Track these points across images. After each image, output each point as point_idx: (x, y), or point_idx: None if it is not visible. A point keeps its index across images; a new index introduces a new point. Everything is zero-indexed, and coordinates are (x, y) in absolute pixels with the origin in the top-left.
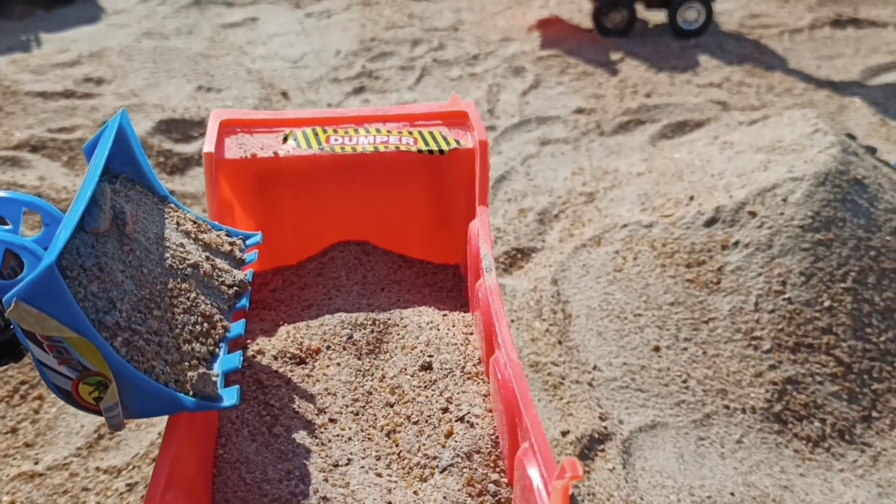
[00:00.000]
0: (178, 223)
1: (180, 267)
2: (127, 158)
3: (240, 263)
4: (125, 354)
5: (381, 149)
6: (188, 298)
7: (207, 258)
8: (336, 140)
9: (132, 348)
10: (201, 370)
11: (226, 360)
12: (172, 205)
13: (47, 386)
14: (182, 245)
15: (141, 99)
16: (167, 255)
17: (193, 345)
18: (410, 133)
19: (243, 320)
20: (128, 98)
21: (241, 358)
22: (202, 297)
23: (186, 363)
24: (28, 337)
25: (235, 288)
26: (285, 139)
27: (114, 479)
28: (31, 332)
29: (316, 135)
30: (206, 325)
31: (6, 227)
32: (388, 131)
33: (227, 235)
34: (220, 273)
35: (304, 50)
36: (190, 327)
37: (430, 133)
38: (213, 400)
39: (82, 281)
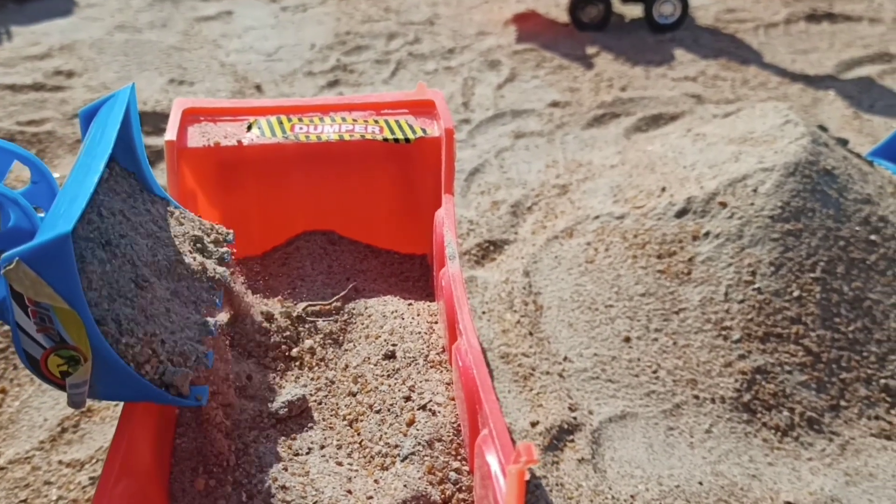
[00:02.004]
0: (165, 217)
1: (165, 262)
2: (124, 143)
3: (220, 261)
4: (109, 337)
5: (347, 137)
6: (173, 293)
7: (191, 254)
8: (301, 128)
9: (116, 332)
10: (181, 367)
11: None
12: (161, 197)
13: (15, 349)
14: (169, 240)
15: (112, 92)
16: (157, 250)
17: (174, 337)
18: (376, 122)
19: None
20: (98, 91)
21: (212, 357)
22: (185, 294)
23: (163, 355)
24: (14, 297)
25: (212, 285)
26: (249, 127)
27: (77, 472)
28: (20, 294)
29: (280, 123)
30: (185, 319)
31: None
32: (354, 120)
33: (210, 230)
34: (201, 270)
35: (279, 43)
36: (170, 321)
37: (397, 122)
38: (184, 397)
39: (86, 256)
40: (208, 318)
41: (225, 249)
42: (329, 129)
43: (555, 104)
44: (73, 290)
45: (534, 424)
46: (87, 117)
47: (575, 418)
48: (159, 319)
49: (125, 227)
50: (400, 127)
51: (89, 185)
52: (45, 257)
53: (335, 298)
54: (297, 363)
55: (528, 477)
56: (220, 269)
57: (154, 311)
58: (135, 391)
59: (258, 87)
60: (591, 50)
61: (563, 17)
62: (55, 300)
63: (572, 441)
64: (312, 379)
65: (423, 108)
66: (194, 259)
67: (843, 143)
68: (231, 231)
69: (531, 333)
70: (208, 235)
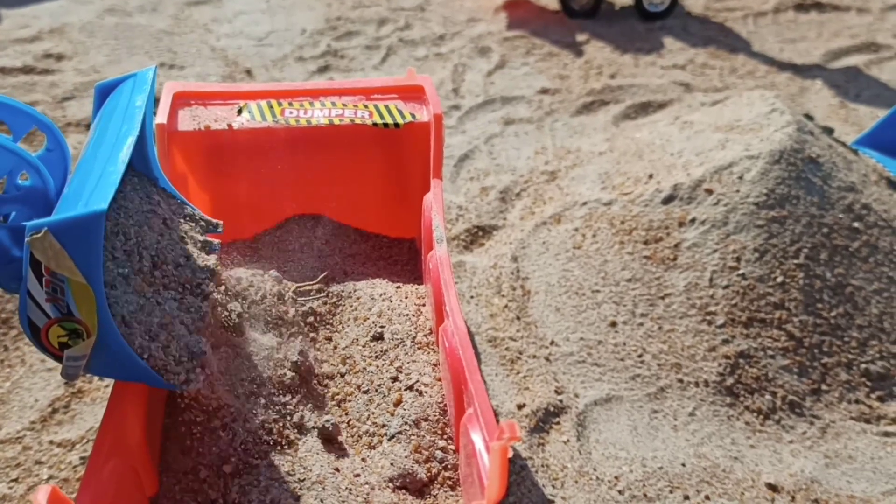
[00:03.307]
0: (169, 208)
1: (170, 251)
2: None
3: (211, 251)
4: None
5: (337, 122)
6: (174, 281)
7: (188, 244)
8: (291, 113)
9: (126, 313)
10: (183, 356)
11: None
12: (165, 189)
13: (19, 314)
14: (171, 231)
15: (102, 75)
16: (161, 240)
17: (173, 323)
18: (366, 106)
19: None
20: (88, 74)
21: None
22: (184, 283)
23: (163, 341)
24: (31, 264)
25: (207, 276)
26: (240, 111)
27: (68, 452)
28: (38, 263)
29: (271, 107)
30: (182, 307)
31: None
32: (344, 104)
33: (201, 221)
34: (197, 259)
35: (270, 28)
36: (167, 309)
37: (386, 106)
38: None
39: (108, 234)
40: (202, 306)
41: (217, 242)
42: (319, 114)
43: (544, 91)
44: (94, 267)
45: (520, 407)
46: (104, 92)
47: (561, 401)
48: (160, 307)
49: (138, 216)
50: (389, 112)
51: (119, 165)
52: (76, 231)
53: (319, 278)
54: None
55: (511, 454)
56: (212, 259)
57: (155, 298)
58: (129, 371)
59: (248, 72)
60: (581, 37)
61: (553, 4)
62: (74, 273)
63: (558, 423)
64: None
65: (413, 94)
66: (190, 249)
67: (829, 131)
68: (220, 222)
69: (518, 318)
70: (200, 225)
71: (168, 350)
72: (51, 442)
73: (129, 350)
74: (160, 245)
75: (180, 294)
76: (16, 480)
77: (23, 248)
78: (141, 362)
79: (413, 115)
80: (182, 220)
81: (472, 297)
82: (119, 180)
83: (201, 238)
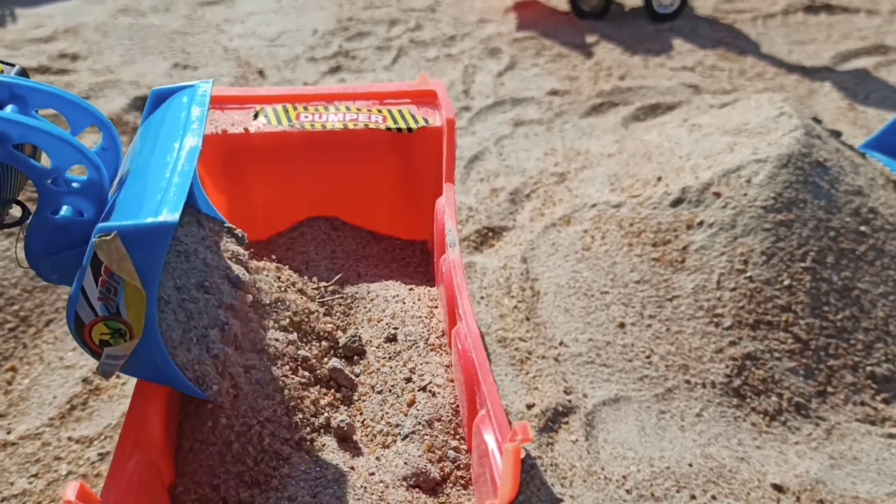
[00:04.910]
0: (204, 227)
1: (214, 270)
2: None
3: (239, 262)
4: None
5: (351, 126)
6: (211, 294)
7: (231, 257)
8: (306, 117)
9: (168, 321)
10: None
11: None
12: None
13: (68, 307)
14: (216, 253)
15: (116, 76)
16: (208, 259)
17: (207, 337)
18: (380, 111)
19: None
20: (103, 74)
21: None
22: (216, 296)
23: (197, 353)
24: (92, 263)
25: (236, 288)
26: (256, 115)
27: (86, 448)
28: (99, 262)
29: (286, 112)
30: (212, 319)
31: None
32: (358, 109)
33: (233, 235)
34: (227, 270)
35: (282, 29)
36: (203, 317)
37: (399, 111)
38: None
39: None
40: (230, 318)
41: (246, 252)
42: (334, 118)
43: (554, 92)
44: (153, 274)
45: (530, 407)
46: (158, 98)
47: (570, 401)
48: (197, 318)
49: (191, 238)
50: (402, 116)
51: (185, 178)
52: (144, 239)
53: (334, 280)
54: None
55: (523, 455)
56: (243, 272)
57: (194, 308)
58: (162, 375)
59: (261, 73)
60: (590, 38)
61: (563, 5)
62: (132, 277)
63: (567, 423)
64: None
65: (425, 98)
66: (228, 265)
67: (837, 134)
68: (245, 234)
69: (528, 318)
70: (233, 238)
71: (202, 361)
72: (69, 438)
73: (168, 357)
74: (205, 266)
75: (212, 307)
76: (35, 476)
77: (67, 242)
78: (176, 369)
79: (426, 120)
80: (223, 239)
81: (482, 297)
82: (185, 194)
83: (238, 252)
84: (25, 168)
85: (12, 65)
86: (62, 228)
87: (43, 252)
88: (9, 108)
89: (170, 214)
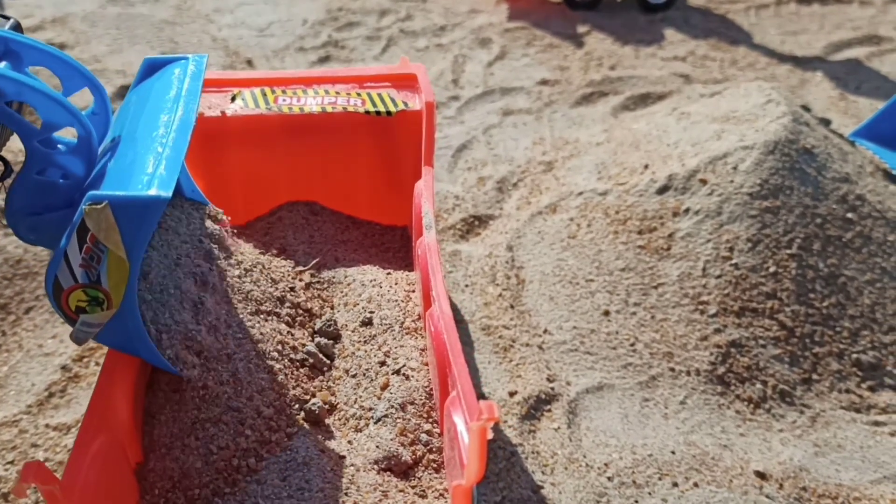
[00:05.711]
0: (185, 204)
1: (193, 251)
2: None
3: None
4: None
5: (329, 109)
6: (188, 271)
7: (202, 236)
8: (284, 100)
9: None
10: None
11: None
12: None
13: (47, 271)
14: (197, 231)
15: (103, 65)
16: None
17: (182, 312)
18: (359, 94)
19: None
20: (90, 64)
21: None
22: (194, 272)
23: (172, 324)
24: (78, 229)
25: (210, 266)
26: (233, 98)
27: (63, 435)
28: (86, 230)
29: (264, 95)
30: (187, 296)
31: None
32: (337, 92)
33: (210, 216)
34: (206, 250)
35: (271, 18)
36: (179, 293)
37: (379, 95)
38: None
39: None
40: (206, 296)
41: (224, 231)
42: (312, 102)
43: (544, 82)
44: (139, 247)
45: (512, 394)
46: (151, 68)
47: (553, 389)
48: (174, 294)
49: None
50: (382, 100)
51: (178, 153)
52: (135, 211)
53: (311, 264)
54: None
55: (490, 435)
56: (221, 251)
57: (171, 284)
58: (135, 347)
59: (249, 62)
60: (582, 29)
61: None
62: (118, 248)
63: (549, 411)
64: None
65: (405, 82)
66: (207, 247)
67: (826, 123)
68: (227, 218)
69: (512, 306)
70: (212, 218)
71: (175, 335)
72: (47, 425)
73: (143, 329)
74: (183, 244)
75: (193, 284)
76: (11, 463)
77: (50, 204)
78: (150, 342)
79: (405, 104)
80: (202, 218)
81: (466, 285)
82: (179, 170)
83: (216, 231)
84: (17, 126)
85: (7, 17)
86: (46, 190)
87: (24, 212)
88: (2, 64)
89: (163, 190)
